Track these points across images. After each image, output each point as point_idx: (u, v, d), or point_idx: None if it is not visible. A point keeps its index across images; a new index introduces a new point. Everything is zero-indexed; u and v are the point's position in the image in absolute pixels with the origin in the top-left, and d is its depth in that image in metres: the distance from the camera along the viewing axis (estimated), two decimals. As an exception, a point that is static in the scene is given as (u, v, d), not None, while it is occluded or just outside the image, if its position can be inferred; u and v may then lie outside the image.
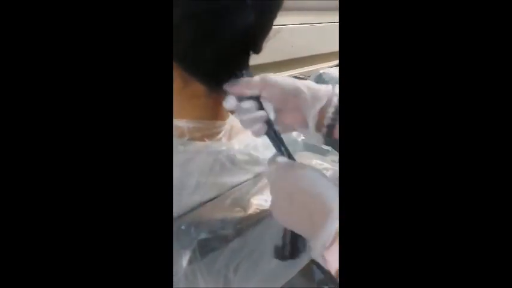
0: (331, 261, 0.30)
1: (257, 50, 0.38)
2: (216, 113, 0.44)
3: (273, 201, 0.36)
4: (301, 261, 0.59)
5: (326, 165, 0.55)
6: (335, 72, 0.84)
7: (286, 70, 1.26)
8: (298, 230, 0.34)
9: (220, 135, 0.44)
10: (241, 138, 0.46)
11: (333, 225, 0.30)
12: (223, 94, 0.38)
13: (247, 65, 0.39)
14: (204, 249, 0.39)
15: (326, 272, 1.01)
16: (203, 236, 0.40)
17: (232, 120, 0.46)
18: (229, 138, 0.45)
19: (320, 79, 0.83)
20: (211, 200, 0.43)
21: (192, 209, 0.42)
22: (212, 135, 0.43)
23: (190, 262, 0.38)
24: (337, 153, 0.59)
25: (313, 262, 0.98)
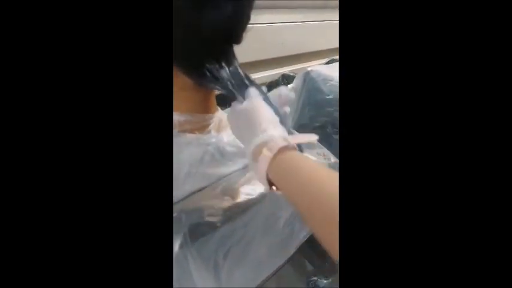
0: (259, 163, 0.34)
1: (237, 40, 0.41)
2: (205, 106, 0.46)
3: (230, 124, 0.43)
4: (288, 250, 0.61)
5: (311, 157, 0.57)
6: (322, 69, 0.86)
7: (276, 68, 1.27)
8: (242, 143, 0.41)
9: (210, 127, 0.46)
10: (230, 131, 0.48)
11: (254, 140, 0.35)
12: (209, 87, 0.40)
13: (232, 55, 0.41)
14: (194, 234, 0.42)
15: (316, 264, 1.03)
16: (193, 222, 0.42)
17: (221, 114, 0.49)
18: (218, 131, 0.47)
19: (308, 76, 0.85)
20: (201, 189, 0.45)
21: (183, 198, 0.44)
22: (202, 127, 0.45)
23: (181, 246, 0.41)
24: (322, 146, 0.61)
25: (302, 254, 1.00)
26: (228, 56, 0.40)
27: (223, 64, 0.39)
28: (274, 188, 0.35)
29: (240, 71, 0.41)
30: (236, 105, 0.40)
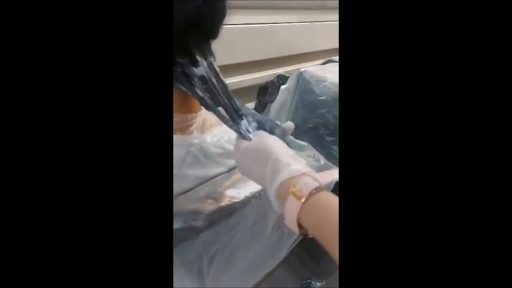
0: (288, 205, 0.31)
1: (213, 35, 0.38)
2: (186, 106, 0.44)
3: (238, 163, 0.39)
4: (279, 255, 0.60)
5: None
6: (315, 70, 0.85)
7: (271, 68, 1.27)
8: (258, 183, 0.37)
9: (192, 128, 0.44)
10: (215, 132, 0.47)
11: (279, 176, 0.32)
12: (178, 88, 0.38)
13: (209, 52, 0.39)
14: (176, 239, 0.40)
15: (309, 266, 1.02)
16: (175, 226, 0.40)
17: (205, 114, 0.47)
18: (202, 131, 0.45)
19: (301, 77, 0.84)
20: (183, 192, 0.44)
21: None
22: (184, 128, 0.44)
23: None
24: (313, 148, 0.60)
25: (296, 256, 0.99)
26: (203, 53, 0.38)
27: (198, 60, 0.37)
28: (306, 232, 0.32)
29: (216, 70, 0.38)
30: (241, 143, 0.37)
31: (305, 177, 0.31)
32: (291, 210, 0.31)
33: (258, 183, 0.37)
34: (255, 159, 0.36)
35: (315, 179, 0.31)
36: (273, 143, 0.36)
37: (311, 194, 0.30)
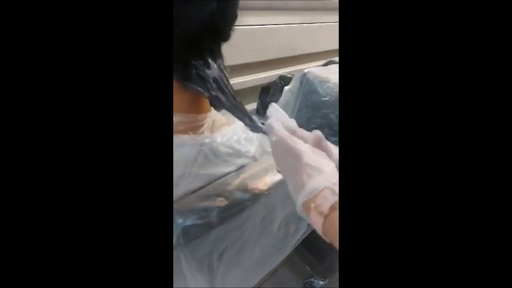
0: (312, 221, 0.32)
1: (224, 38, 0.40)
2: (197, 107, 0.45)
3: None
4: (284, 251, 0.61)
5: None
6: (319, 71, 0.86)
7: (273, 69, 1.28)
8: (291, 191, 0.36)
9: (203, 128, 0.45)
10: (224, 132, 0.48)
11: (300, 196, 0.32)
12: (193, 88, 0.39)
13: (219, 54, 0.40)
14: (188, 235, 0.41)
15: (312, 265, 1.03)
16: (187, 223, 0.42)
17: (214, 114, 0.48)
18: (212, 131, 0.47)
19: (304, 78, 0.85)
20: (195, 190, 0.45)
21: (177, 199, 0.44)
22: (195, 128, 0.45)
23: (174, 248, 0.40)
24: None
25: (299, 255, 1.00)
26: (215, 55, 0.39)
27: (210, 62, 0.38)
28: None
29: (224, 74, 0.40)
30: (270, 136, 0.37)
31: (324, 190, 0.30)
32: (316, 224, 0.31)
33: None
34: (279, 161, 0.36)
35: (334, 192, 0.30)
36: (296, 146, 0.34)
37: (332, 208, 0.30)
